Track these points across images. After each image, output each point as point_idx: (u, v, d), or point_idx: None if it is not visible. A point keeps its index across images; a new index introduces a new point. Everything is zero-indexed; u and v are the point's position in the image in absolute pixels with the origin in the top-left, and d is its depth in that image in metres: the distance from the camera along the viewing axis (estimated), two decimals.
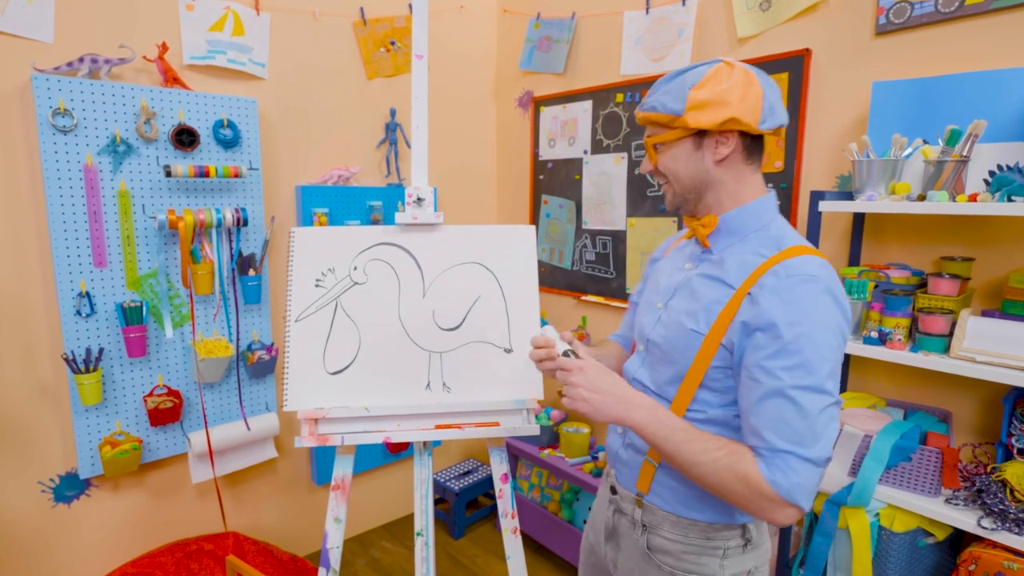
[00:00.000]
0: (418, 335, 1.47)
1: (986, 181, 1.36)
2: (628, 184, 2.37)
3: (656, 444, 0.94)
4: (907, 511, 1.44)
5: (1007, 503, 1.31)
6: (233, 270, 2.08)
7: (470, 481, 2.72)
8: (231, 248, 2.06)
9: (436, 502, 2.79)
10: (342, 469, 1.41)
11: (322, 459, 2.45)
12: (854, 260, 1.73)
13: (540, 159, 2.73)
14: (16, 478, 1.84)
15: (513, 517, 1.45)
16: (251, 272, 2.09)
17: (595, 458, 2.44)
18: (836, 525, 1.50)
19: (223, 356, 2.01)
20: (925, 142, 1.50)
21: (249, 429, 2.13)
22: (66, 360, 1.77)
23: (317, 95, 2.31)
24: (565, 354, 1.02)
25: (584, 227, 2.56)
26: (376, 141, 2.50)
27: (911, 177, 1.49)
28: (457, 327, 1.48)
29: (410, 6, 2.41)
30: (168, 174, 1.87)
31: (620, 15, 2.31)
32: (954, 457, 1.45)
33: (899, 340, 1.46)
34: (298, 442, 1.35)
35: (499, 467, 1.46)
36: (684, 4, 2.10)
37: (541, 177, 2.74)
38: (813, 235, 1.57)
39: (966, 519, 1.34)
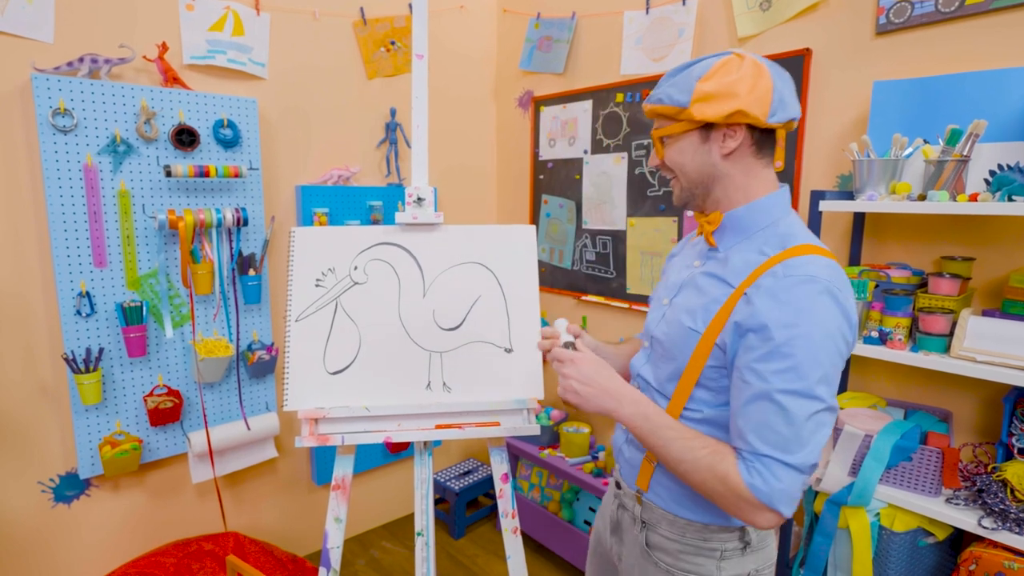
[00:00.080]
0: (418, 335, 1.46)
1: (987, 181, 1.36)
2: (628, 184, 2.37)
3: (643, 439, 0.96)
4: (908, 511, 1.44)
5: (1007, 503, 1.31)
6: (233, 270, 2.08)
7: (470, 481, 2.72)
8: (231, 248, 2.06)
9: (436, 502, 2.79)
10: (342, 469, 1.40)
11: (322, 459, 2.45)
12: (854, 260, 1.73)
13: (540, 159, 2.73)
14: (16, 478, 1.84)
15: (514, 517, 1.45)
16: (251, 272, 2.09)
17: (595, 458, 2.44)
18: (836, 525, 1.49)
19: (223, 356, 2.01)
20: (925, 142, 1.50)
21: (249, 429, 2.13)
22: (66, 360, 1.77)
23: (317, 95, 2.31)
24: (566, 345, 1.05)
25: (584, 227, 2.56)
26: (376, 141, 2.50)
27: (911, 177, 1.49)
28: (457, 327, 1.47)
29: (410, 6, 2.41)
30: (168, 174, 1.87)
31: (620, 15, 2.31)
32: (954, 457, 1.45)
33: (899, 340, 1.46)
34: (298, 442, 1.35)
35: (499, 467, 1.46)
36: (684, 4, 2.10)
37: (541, 177, 2.74)
38: (813, 235, 1.57)
39: (967, 519, 1.34)
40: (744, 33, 1.95)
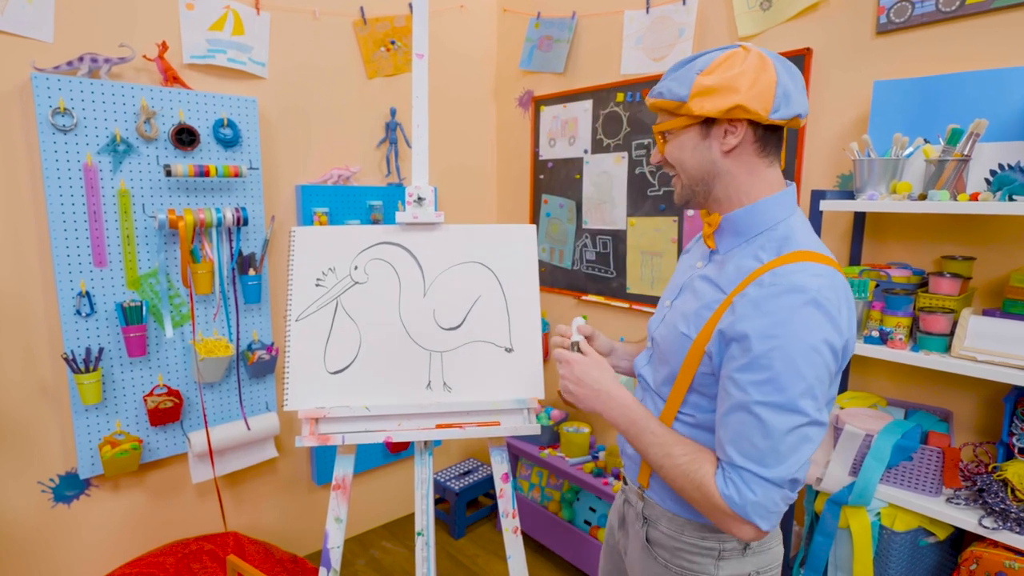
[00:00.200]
0: (419, 334, 1.46)
1: (987, 180, 1.36)
2: (628, 184, 2.36)
3: (629, 442, 0.99)
4: (908, 510, 1.43)
5: (1008, 502, 1.31)
6: (233, 270, 2.08)
7: (470, 481, 2.72)
8: (231, 248, 2.06)
9: (436, 502, 2.79)
10: (343, 469, 1.40)
11: (322, 459, 2.45)
12: (855, 259, 1.73)
13: (540, 159, 2.73)
14: (16, 478, 1.84)
15: (514, 517, 1.45)
16: (251, 272, 2.09)
17: (595, 458, 2.44)
18: (837, 524, 1.49)
19: (223, 356, 2.01)
20: (926, 141, 1.50)
21: (249, 429, 2.13)
22: (66, 360, 1.77)
23: (317, 94, 2.31)
24: (572, 344, 1.08)
25: (584, 227, 2.56)
26: (376, 140, 2.50)
27: (912, 176, 1.49)
28: (458, 326, 1.47)
29: (410, 5, 2.41)
30: (168, 173, 1.87)
31: (620, 14, 2.31)
32: (955, 456, 1.45)
33: (900, 339, 1.46)
34: (299, 441, 1.35)
35: (500, 467, 1.46)
36: (684, 3, 2.10)
37: (541, 177, 2.73)
38: (816, 237, 1.57)
39: (967, 518, 1.34)
40: (744, 33, 1.95)
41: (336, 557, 1.41)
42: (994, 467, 1.39)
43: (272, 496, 2.38)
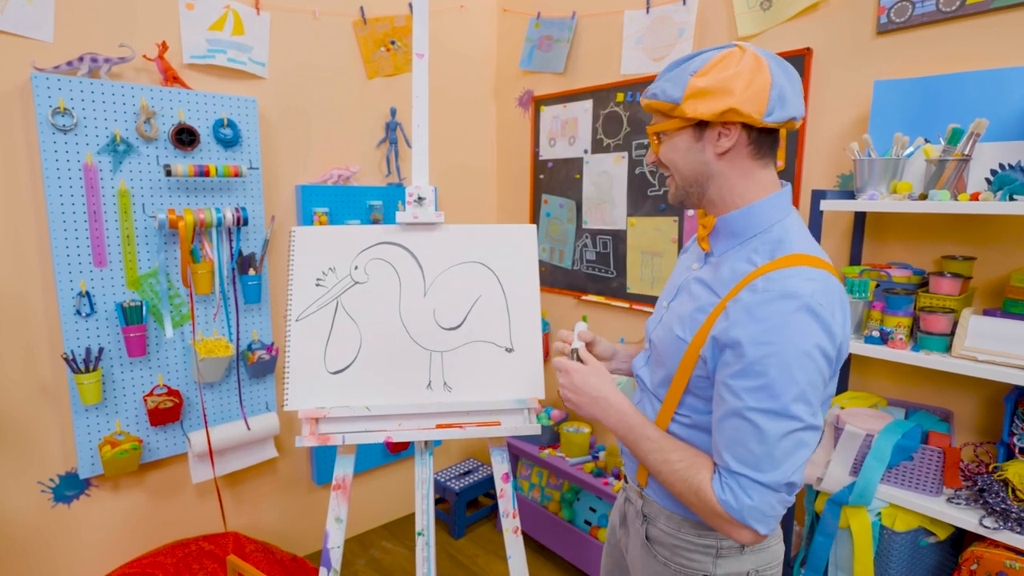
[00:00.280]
0: (419, 334, 1.46)
1: (988, 180, 1.36)
2: (629, 183, 2.36)
3: (627, 447, 1.00)
4: (909, 510, 1.43)
5: (1009, 502, 1.31)
6: (233, 270, 2.08)
7: (470, 481, 2.72)
8: (231, 247, 2.06)
9: (436, 502, 2.79)
10: (343, 469, 1.40)
11: (322, 459, 2.45)
12: (855, 259, 1.73)
13: (540, 158, 2.73)
14: (16, 478, 1.84)
15: (514, 517, 1.45)
16: (251, 272, 2.09)
17: (595, 458, 2.44)
18: (837, 524, 1.49)
19: (223, 356, 2.00)
20: (927, 141, 1.50)
21: (249, 429, 2.13)
22: (66, 360, 1.76)
23: (317, 94, 2.31)
24: (572, 351, 1.09)
25: (584, 227, 2.56)
26: (376, 140, 2.50)
27: (912, 176, 1.49)
28: (458, 326, 1.47)
29: (410, 5, 2.41)
30: (168, 173, 1.87)
31: (620, 14, 2.31)
32: (955, 456, 1.45)
33: (900, 339, 1.46)
34: (299, 441, 1.35)
35: (500, 467, 1.46)
36: (685, 3, 2.10)
37: (541, 176, 2.73)
38: (814, 235, 1.57)
39: (968, 518, 1.34)
40: (745, 32, 1.95)
41: (336, 557, 1.41)
42: (995, 467, 1.39)
43: (272, 496, 2.38)
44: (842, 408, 1.62)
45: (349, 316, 1.45)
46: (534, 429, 1.43)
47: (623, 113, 2.35)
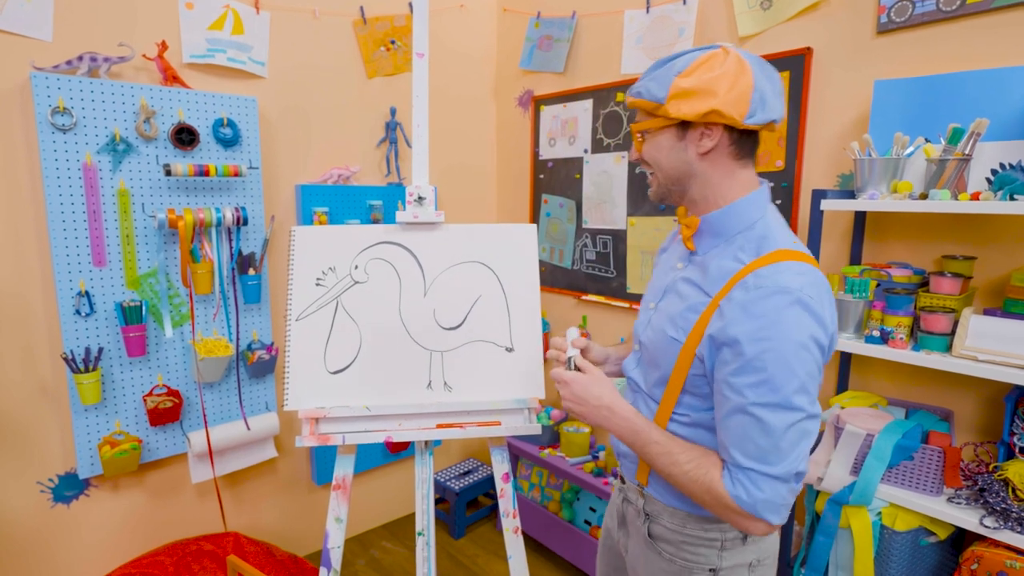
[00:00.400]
0: (419, 334, 1.46)
1: (988, 180, 1.36)
2: (629, 183, 2.36)
3: (635, 451, 1.01)
4: (909, 510, 1.43)
5: (1009, 502, 1.31)
6: (233, 269, 2.08)
7: (470, 481, 2.72)
8: (231, 247, 2.06)
9: (436, 502, 2.79)
10: (343, 469, 1.40)
11: (322, 459, 2.45)
12: (855, 259, 1.73)
13: (540, 158, 2.73)
14: (15, 478, 1.83)
15: (515, 517, 1.45)
16: (251, 271, 2.09)
17: (595, 458, 2.43)
18: (838, 524, 1.49)
19: (223, 356, 2.00)
20: (927, 141, 1.50)
21: (249, 429, 2.13)
22: (65, 360, 1.76)
23: (317, 94, 2.31)
24: (568, 359, 1.08)
25: (584, 226, 2.56)
26: (376, 140, 2.50)
27: (913, 176, 1.49)
28: (458, 326, 1.47)
29: (410, 5, 2.41)
30: (168, 173, 1.86)
31: (620, 14, 2.31)
32: (956, 456, 1.45)
33: (901, 339, 1.46)
34: (299, 441, 1.35)
35: (500, 466, 1.46)
36: (685, 3, 2.10)
37: (541, 176, 2.73)
38: (815, 234, 1.57)
39: (968, 518, 1.34)
40: (745, 32, 1.95)
41: (336, 557, 1.40)
42: (995, 467, 1.39)
43: (272, 496, 2.38)
44: (842, 408, 1.62)
45: (349, 316, 1.45)
46: (534, 429, 1.43)
47: (623, 113, 2.35)
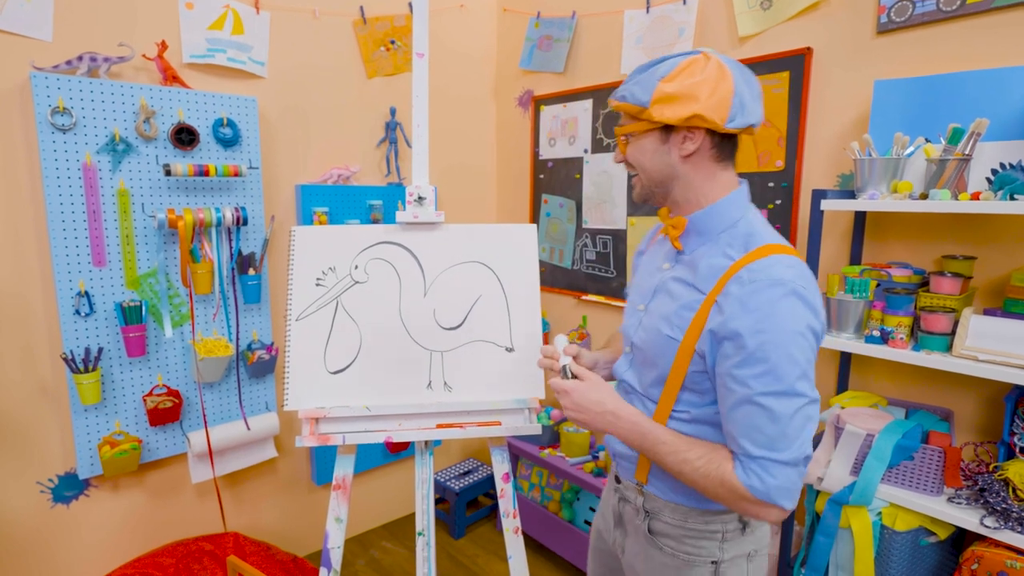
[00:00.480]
0: (419, 334, 1.46)
1: (988, 180, 1.36)
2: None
3: (643, 453, 1.01)
4: (909, 510, 1.43)
5: (1009, 502, 1.31)
6: (233, 269, 2.08)
7: (470, 481, 2.72)
8: (231, 247, 2.05)
9: (436, 502, 2.79)
10: (343, 469, 1.40)
11: (322, 459, 2.45)
12: (856, 259, 1.73)
13: (540, 158, 2.72)
14: (15, 478, 1.83)
15: (515, 517, 1.45)
16: (251, 271, 2.09)
17: (595, 458, 2.43)
18: (838, 524, 1.49)
19: (223, 356, 2.00)
20: (927, 141, 1.50)
21: (249, 429, 2.13)
22: (65, 360, 1.76)
23: (317, 94, 2.31)
24: (563, 368, 1.07)
25: (584, 226, 2.56)
26: (376, 140, 2.50)
27: (913, 176, 1.49)
28: (458, 326, 1.47)
29: (410, 5, 2.41)
30: (168, 173, 1.86)
31: (620, 14, 2.31)
32: (956, 456, 1.45)
33: (901, 339, 1.46)
34: (299, 441, 1.35)
35: (501, 466, 1.46)
36: (685, 3, 2.10)
37: (541, 176, 2.73)
38: (815, 234, 1.57)
39: (968, 518, 1.34)
40: (745, 32, 1.95)
41: (336, 557, 1.40)
42: (995, 466, 1.39)
43: (272, 496, 2.38)
44: (842, 408, 1.62)
45: (349, 316, 1.44)
46: (535, 429, 1.43)
47: None
